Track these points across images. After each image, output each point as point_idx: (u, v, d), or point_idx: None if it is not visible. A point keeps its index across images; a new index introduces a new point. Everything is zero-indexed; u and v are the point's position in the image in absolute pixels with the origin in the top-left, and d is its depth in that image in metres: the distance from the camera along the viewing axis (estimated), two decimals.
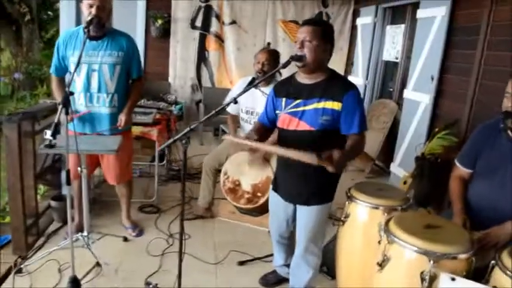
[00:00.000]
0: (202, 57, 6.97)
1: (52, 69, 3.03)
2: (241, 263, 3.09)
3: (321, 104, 2.16)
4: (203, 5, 6.76)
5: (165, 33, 6.71)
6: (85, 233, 2.83)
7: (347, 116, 2.14)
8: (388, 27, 5.97)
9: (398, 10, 5.85)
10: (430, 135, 4.29)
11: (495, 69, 3.67)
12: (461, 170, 2.50)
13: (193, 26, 6.82)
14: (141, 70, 3.15)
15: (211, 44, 6.94)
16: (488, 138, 2.35)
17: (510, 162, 2.23)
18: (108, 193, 3.87)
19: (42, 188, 3.79)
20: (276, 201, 2.51)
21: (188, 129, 1.94)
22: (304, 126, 2.20)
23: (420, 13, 4.79)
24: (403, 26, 5.55)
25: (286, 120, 2.27)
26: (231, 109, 3.65)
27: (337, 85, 2.18)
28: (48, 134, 2.19)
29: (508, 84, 2.25)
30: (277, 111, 2.33)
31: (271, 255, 2.90)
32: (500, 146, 2.28)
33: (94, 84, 2.93)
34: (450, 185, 2.55)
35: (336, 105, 2.13)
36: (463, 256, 1.84)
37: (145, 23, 6.71)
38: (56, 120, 2.14)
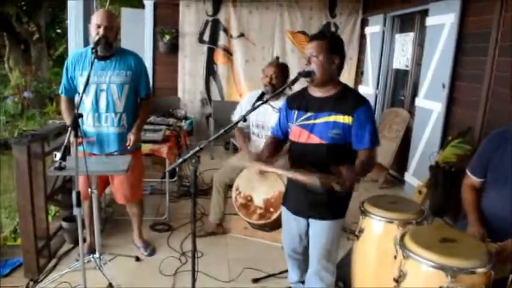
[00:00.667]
0: (211, 71, 6.99)
1: (61, 90, 3.04)
2: (256, 280, 3.05)
3: (332, 118, 2.15)
4: (210, 19, 6.80)
5: (173, 48, 6.75)
6: (97, 255, 2.81)
7: (358, 131, 2.12)
8: (397, 36, 5.94)
9: (406, 18, 5.81)
10: (444, 143, 4.24)
11: (507, 76, 3.61)
12: (472, 179, 2.47)
13: (201, 40, 6.86)
14: (149, 88, 3.15)
15: (219, 57, 6.96)
16: (498, 146, 2.33)
17: None
18: (120, 212, 3.86)
19: (53, 209, 3.78)
20: (287, 217, 2.48)
21: (197, 148, 1.92)
22: (314, 139, 2.19)
23: (429, 21, 4.76)
24: (412, 34, 5.52)
25: (297, 133, 2.26)
26: (239, 124, 3.63)
27: (348, 99, 2.17)
28: (57, 156, 2.18)
29: None
30: (289, 123, 2.33)
31: (286, 271, 2.85)
32: (510, 155, 2.25)
33: (102, 104, 2.93)
34: (462, 194, 2.52)
35: (346, 119, 2.12)
36: (481, 270, 1.81)
37: (153, 39, 6.76)
38: (65, 143, 2.14)
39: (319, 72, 2.13)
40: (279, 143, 2.41)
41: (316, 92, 2.23)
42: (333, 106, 2.15)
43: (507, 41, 3.64)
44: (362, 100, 2.19)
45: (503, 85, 3.64)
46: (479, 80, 3.95)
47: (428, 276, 1.86)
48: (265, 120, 3.49)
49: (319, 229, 2.32)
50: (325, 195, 2.16)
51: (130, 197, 3.20)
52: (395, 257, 2.08)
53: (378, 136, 2.20)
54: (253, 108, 2.15)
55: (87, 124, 2.97)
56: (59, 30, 13.10)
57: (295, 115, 2.27)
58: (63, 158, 2.20)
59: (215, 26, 6.83)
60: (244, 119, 2.05)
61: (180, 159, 1.97)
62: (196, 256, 2.11)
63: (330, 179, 1.88)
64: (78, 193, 2.30)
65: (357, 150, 2.16)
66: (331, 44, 2.17)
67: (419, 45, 5.30)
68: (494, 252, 1.95)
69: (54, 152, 2.23)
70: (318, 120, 2.18)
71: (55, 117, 5.55)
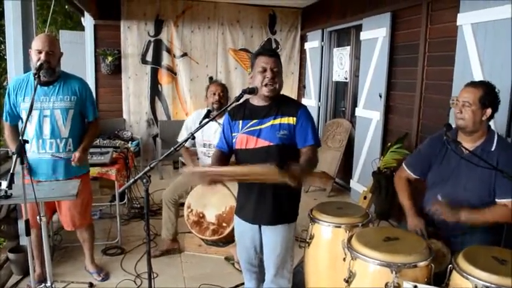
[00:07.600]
0: (155, 91, 6.96)
1: (5, 117, 2.96)
2: None
3: (277, 120, 2.28)
4: (153, 39, 6.79)
5: (116, 69, 6.66)
6: (48, 283, 2.72)
7: (301, 130, 2.27)
8: (335, 50, 6.21)
9: (343, 33, 6.11)
10: (384, 150, 4.46)
11: (436, 83, 3.89)
12: (408, 173, 2.66)
13: (144, 61, 6.82)
14: (96, 112, 3.13)
15: (163, 77, 6.95)
16: (439, 151, 2.50)
17: (459, 175, 2.38)
18: (68, 239, 3.77)
19: None
20: (241, 230, 2.51)
21: (148, 168, 1.94)
22: (263, 143, 2.28)
23: (363, 35, 5.03)
24: (348, 47, 5.80)
25: (244, 140, 2.33)
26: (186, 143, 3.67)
27: (289, 103, 2.35)
28: (3, 184, 2.14)
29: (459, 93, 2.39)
30: (233, 134, 2.40)
31: (242, 284, 2.90)
32: (449, 159, 2.44)
33: (46, 130, 2.88)
34: (397, 186, 2.70)
35: (291, 120, 2.27)
36: (422, 264, 1.95)
37: (94, 61, 6.64)
38: (12, 170, 2.10)
39: (281, 84, 2.31)
40: (225, 157, 2.47)
41: (259, 102, 2.35)
42: (277, 110, 2.30)
43: (433, 51, 3.93)
44: (300, 104, 2.43)
45: (434, 92, 3.91)
46: (412, 88, 4.22)
47: (375, 273, 1.98)
48: (211, 138, 3.56)
49: (273, 237, 2.36)
50: (277, 200, 2.28)
51: (79, 222, 3.14)
52: (344, 259, 2.19)
53: (319, 136, 2.36)
54: (201, 126, 2.22)
55: (31, 151, 2.89)
56: None
57: (240, 125, 2.36)
58: (9, 186, 2.15)
59: (158, 46, 6.83)
60: (192, 136, 2.11)
61: (132, 180, 1.98)
62: (152, 277, 2.12)
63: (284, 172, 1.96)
64: (27, 222, 2.25)
65: (301, 149, 2.28)
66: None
67: (356, 58, 5.56)
68: (434, 248, 2.11)
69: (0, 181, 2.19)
70: (264, 125, 2.29)
71: None
